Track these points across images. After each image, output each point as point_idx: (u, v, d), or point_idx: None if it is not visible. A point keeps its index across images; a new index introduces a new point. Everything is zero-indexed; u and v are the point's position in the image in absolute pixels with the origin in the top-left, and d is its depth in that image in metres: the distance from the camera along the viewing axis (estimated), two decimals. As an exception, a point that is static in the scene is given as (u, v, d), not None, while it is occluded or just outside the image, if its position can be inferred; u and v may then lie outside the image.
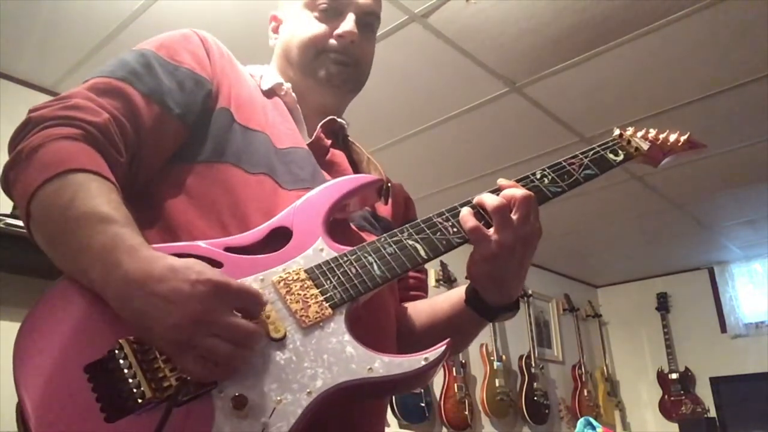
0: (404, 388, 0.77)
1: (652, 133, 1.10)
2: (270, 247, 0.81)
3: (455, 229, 0.88)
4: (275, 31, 1.14)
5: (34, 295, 0.70)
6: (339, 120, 1.09)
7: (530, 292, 5.08)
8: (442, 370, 3.92)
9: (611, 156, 1.02)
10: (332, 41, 1.04)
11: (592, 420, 4.20)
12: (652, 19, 2.47)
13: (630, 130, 1.08)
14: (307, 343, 0.73)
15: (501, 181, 0.92)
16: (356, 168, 1.09)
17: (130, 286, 0.65)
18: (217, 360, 0.65)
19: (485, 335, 4.43)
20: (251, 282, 0.76)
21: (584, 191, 3.66)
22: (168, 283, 0.64)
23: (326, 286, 0.78)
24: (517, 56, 2.68)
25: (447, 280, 4.12)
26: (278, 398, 0.67)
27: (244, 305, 0.68)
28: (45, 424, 0.61)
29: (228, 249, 0.78)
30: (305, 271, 0.79)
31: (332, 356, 0.72)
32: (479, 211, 0.89)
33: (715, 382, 5.28)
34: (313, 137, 1.03)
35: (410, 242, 0.86)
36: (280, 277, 0.77)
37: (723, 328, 5.42)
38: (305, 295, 0.76)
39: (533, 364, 4.75)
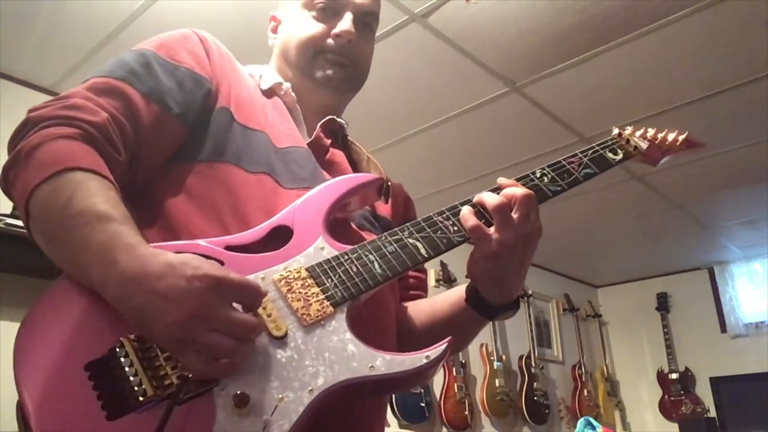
0: (405, 387, 0.77)
1: (651, 132, 1.10)
2: (270, 245, 0.81)
3: (456, 228, 0.88)
4: (274, 31, 1.14)
5: (34, 295, 0.70)
6: (338, 120, 1.09)
7: (530, 292, 5.08)
8: (442, 370, 3.94)
9: (610, 155, 1.03)
10: (330, 41, 1.04)
11: (592, 420, 4.21)
12: (652, 19, 2.47)
13: (629, 130, 1.08)
14: (309, 341, 0.73)
15: (501, 180, 0.92)
16: (356, 167, 1.09)
17: (127, 284, 0.65)
18: (218, 355, 0.65)
19: (485, 335, 4.43)
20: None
21: (584, 191, 3.68)
22: (165, 280, 0.64)
23: (327, 285, 0.78)
24: (517, 56, 2.68)
25: (447, 280, 4.12)
26: (280, 396, 0.67)
27: (242, 299, 0.68)
28: (46, 422, 0.61)
29: (228, 247, 0.78)
30: (306, 269, 0.79)
31: (334, 354, 0.72)
32: (480, 210, 0.89)
33: (715, 382, 5.28)
34: (313, 136, 1.03)
35: (411, 241, 0.86)
36: (281, 275, 0.77)
37: (723, 328, 5.42)
38: (306, 293, 0.76)
39: (533, 364, 4.75)
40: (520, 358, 4.76)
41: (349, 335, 0.74)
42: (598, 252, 5.39)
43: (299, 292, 0.76)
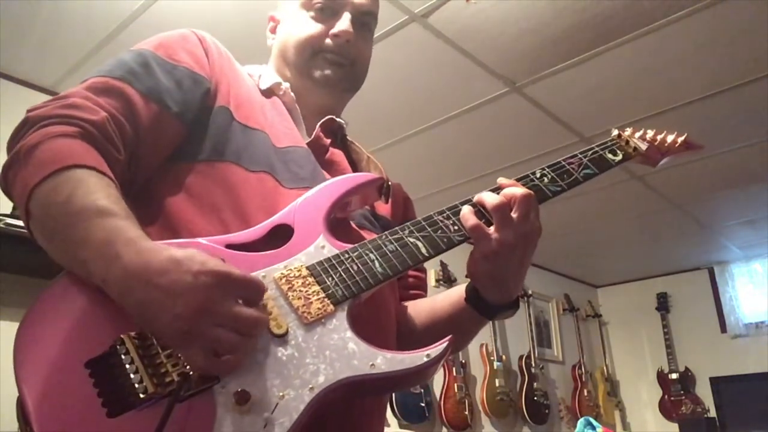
0: (406, 385, 0.78)
1: (650, 133, 1.11)
2: (271, 244, 0.81)
3: (456, 227, 0.88)
4: (273, 31, 1.14)
5: (34, 295, 0.70)
6: (337, 120, 1.09)
7: (530, 292, 5.08)
8: (442, 369, 3.94)
9: (610, 156, 1.03)
10: (328, 41, 1.04)
11: (592, 420, 4.21)
12: (652, 19, 2.47)
13: (628, 131, 1.09)
14: (309, 339, 0.73)
15: (501, 180, 0.93)
16: (355, 167, 1.09)
17: (130, 279, 0.65)
18: (223, 350, 0.65)
19: (485, 335, 4.43)
20: None
21: (584, 191, 3.68)
22: (169, 275, 0.64)
23: (328, 283, 0.78)
24: (517, 56, 2.68)
25: (447, 280, 4.12)
26: (281, 394, 0.67)
27: (246, 294, 0.68)
28: (46, 420, 0.61)
29: (229, 246, 0.78)
30: (307, 267, 0.79)
31: (334, 352, 0.72)
32: (480, 209, 0.89)
33: (715, 382, 5.28)
34: (313, 136, 1.03)
35: (411, 239, 0.86)
36: (282, 273, 0.78)
37: (723, 328, 5.42)
38: (307, 291, 0.77)
39: (533, 364, 4.75)
40: (520, 358, 4.76)
41: (349, 333, 0.74)
42: (598, 252, 5.39)
43: (300, 291, 0.76)
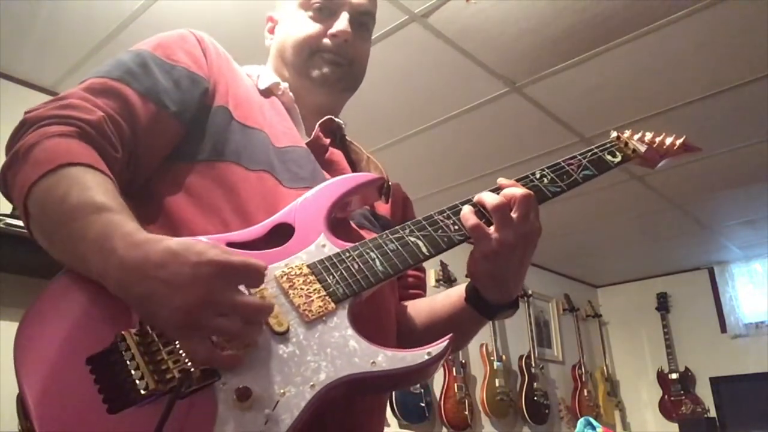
0: (406, 383, 0.78)
1: (649, 136, 1.11)
2: (272, 243, 0.81)
3: (456, 227, 0.89)
4: (271, 31, 1.14)
5: (34, 295, 0.70)
6: (336, 120, 1.09)
7: (530, 292, 5.08)
8: (442, 369, 3.94)
9: (609, 157, 1.03)
10: (326, 41, 1.04)
11: (592, 420, 4.21)
12: (652, 19, 2.47)
13: (627, 133, 1.09)
14: (310, 337, 0.73)
15: (501, 181, 0.93)
16: (354, 167, 1.09)
17: (128, 273, 0.64)
18: (228, 337, 0.65)
19: (485, 335, 4.43)
20: None
21: (584, 191, 3.68)
22: (168, 268, 0.63)
23: (329, 281, 0.79)
24: (517, 56, 2.69)
25: (447, 280, 4.12)
26: (282, 391, 0.67)
27: (248, 280, 0.68)
28: (47, 417, 0.61)
29: (230, 244, 0.78)
30: (308, 266, 0.79)
31: (335, 350, 0.72)
32: (480, 209, 0.90)
33: (715, 382, 5.29)
34: (312, 136, 1.03)
35: (412, 239, 0.87)
36: (283, 272, 0.78)
37: (723, 328, 5.43)
38: (308, 289, 0.77)
39: (533, 364, 4.75)
40: (520, 358, 4.77)
41: (350, 331, 0.75)
42: (598, 252, 5.39)
43: (301, 289, 0.77)
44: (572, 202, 3.97)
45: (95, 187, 0.72)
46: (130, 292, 0.65)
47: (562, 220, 4.36)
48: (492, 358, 4.41)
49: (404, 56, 2.64)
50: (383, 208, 1.08)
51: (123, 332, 0.67)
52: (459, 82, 2.86)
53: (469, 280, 0.97)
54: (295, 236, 0.83)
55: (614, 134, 1.09)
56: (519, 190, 0.89)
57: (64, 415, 0.62)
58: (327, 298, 0.77)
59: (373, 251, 0.84)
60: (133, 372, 0.64)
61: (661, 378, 5.51)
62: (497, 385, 4.36)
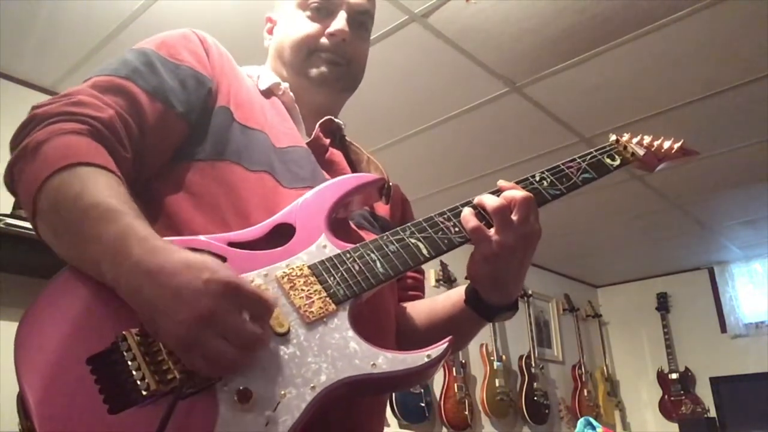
0: (406, 385, 0.78)
1: (647, 139, 1.12)
2: (273, 243, 0.81)
3: (457, 229, 0.89)
4: (270, 32, 1.14)
5: (34, 295, 0.69)
6: (336, 120, 1.09)
7: (530, 292, 5.08)
8: (442, 369, 3.94)
9: (608, 161, 1.04)
10: (324, 40, 1.04)
11: (592, 420, 4.21)
12: (652, 19, 2.47)
13: (626, 136, 1.10)
14: (311, 338, 0.73)
15: (501, 183, 0.93)
16: (354, 168, 1.09)
17: (141, 277, 0.64)
18: (220, 362, 0.64)
19: (485, 335, 4.43)
20: (255, 277, 0.76)
21: (584, 191, 3.68)
22: (180, 278, 0.63)
23: (329, 282, 0.78)
24: (517, 56, 2.69)
25: (447, 281, 4.12)
26: (282, 392, 0.67)
27: (254, 310, 0.67)
28: (47, 416, 0.61)
29: (231, 244, 0.78)
30: (309, 267, 0.79)
31: (336, 351, 0.72)
32: (480, 211, 0.90)
33: (715, 382, 5.29)
34: (312, 136, 1.03)
35: (413, 240, 0.87)
36: (284, 272, 0.78)
37: (723, 328, 5.43)
38: (309, 290, 0.77)
39: (533, 364, 4.75)
40: (520, 358, 4.77)
41: (351, 333, 0.74)
42: (598, 252, 5.39)
43: (302, 290, 0.76)
44: (572, 202, 3.97)
45: (109, 189, 0.71)
46: (139, 296, 0.64)
47: (562, 220, 4.36)
48: (492, 358, 4.41)
49: (404, 56, 2.64)
50: (382, 209, 1.08)
51: (124, 332, 0.66)
52: (459, 82, 2.86)
53: (468, 281, 0.97)
54: (296, 237, 0.82)
55: (613, 138, 1.09)
56: (519, 193, 0.89)
57: (65, 415, 0.61)
58: (327, 299, 0.77)
59: (373, 252, 0.84)
60: (134, 372, 0.64)
61: (661, 378, 5.51)
62: (497, 385, 4.36)
